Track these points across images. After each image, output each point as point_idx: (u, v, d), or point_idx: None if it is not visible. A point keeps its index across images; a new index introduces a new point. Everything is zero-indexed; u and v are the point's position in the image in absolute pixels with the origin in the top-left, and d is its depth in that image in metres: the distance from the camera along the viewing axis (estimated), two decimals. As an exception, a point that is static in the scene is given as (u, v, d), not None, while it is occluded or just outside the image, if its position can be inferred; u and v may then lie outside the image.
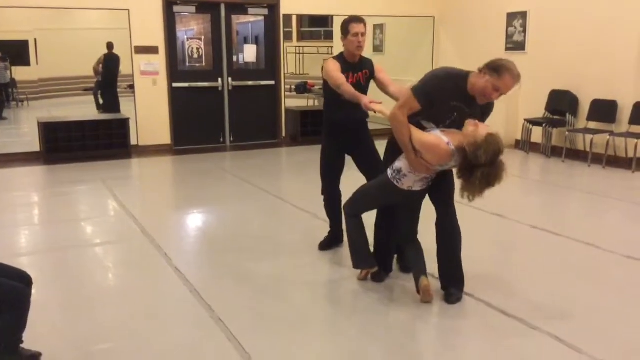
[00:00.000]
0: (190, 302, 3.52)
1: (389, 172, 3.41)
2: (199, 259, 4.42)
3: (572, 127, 7.75)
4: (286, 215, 5.58)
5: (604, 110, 7.40)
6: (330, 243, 4.43)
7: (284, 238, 4.83)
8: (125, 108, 9.13)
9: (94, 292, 3.75)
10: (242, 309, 3.44)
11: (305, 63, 14.87)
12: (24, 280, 2.70)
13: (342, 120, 4.11)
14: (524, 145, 8.33)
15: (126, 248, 4.64)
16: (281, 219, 5.44)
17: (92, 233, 5.06)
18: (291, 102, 10.19)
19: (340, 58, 4.06)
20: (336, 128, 4.17)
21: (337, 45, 10.48)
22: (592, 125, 7.55)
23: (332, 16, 10.73)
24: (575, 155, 7.72)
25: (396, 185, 3.38)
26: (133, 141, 8.49)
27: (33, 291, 2.73)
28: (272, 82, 9.36)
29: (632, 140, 7.01)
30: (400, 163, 3.36)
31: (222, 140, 9.22)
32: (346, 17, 4.08)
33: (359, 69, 4.06)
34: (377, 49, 11.18)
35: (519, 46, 8.66)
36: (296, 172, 7.90)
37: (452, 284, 3.50)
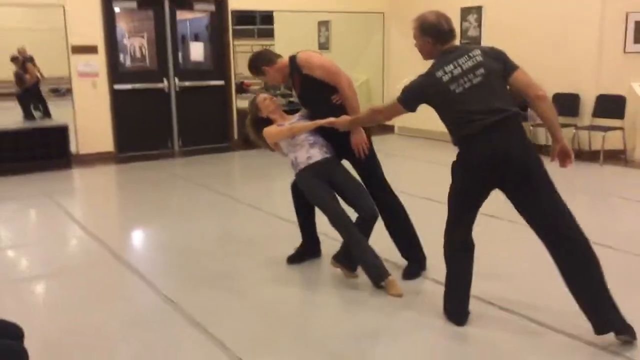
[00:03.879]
0: (168, 314, 3.05)
1: (295, 173, 3.68)
2: (175, 273, 3.91)
3: (534, 122, 7.74)
4: (260, 221, 5.14)
5: (567, 104, 7.42)
6: (302, 256, 4.04)
7: (262, 245, 4.39)
8: (56, 113, 8.32)
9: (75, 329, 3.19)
10: (222, 316, 3.14)
11: (239, 62, 14.40)
12: (15, 335, 2.16)
13: None
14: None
15: (97, 273, 4.05)
16: (255, 226, 5.00)
17: (54, 257, 4.42)
18: (241, 102, 9.68)
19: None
20: None
21: (279, 44, 10.16)
22: (555, 119, 7.56)
23: (272, 13, 10.24)
24: (539, 150, 7.67)
25: (303, 172, 3.59)
26: (72, 149, 7.73)
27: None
28: (222, 82, 8.84)
29: (597, 133, 7.06)
30: (290, 156, 3.68)
31: (170, 145, 8.59)
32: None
33: (293, 79, 3.71)
34: (323, 46, 10.85)
35: (475, 41, 8.59)
36: (258, 176, 7.44)
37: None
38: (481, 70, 2.81)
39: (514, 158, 2.75)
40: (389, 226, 3.77)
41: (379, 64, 10.27)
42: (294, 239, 4.06)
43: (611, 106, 7.05)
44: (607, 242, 3.97)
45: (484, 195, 2.91)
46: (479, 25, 8.52)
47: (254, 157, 8.35)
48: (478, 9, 8.48)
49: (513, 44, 8.11)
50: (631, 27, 7.04)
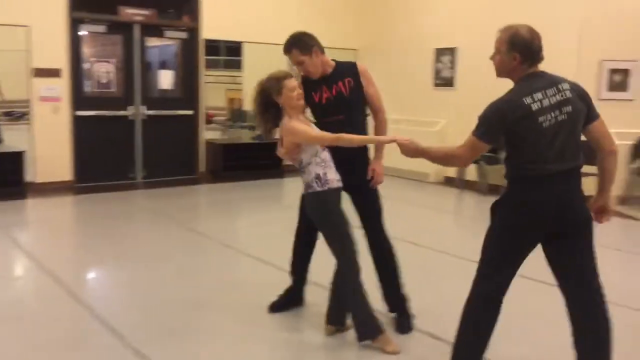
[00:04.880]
0: None
1: (312, 189, 3.17)
2: (140, 320, 3.56)
3: (507, 164, 7.72)
4: (232, 261, 4.83)
5: (540, 148, 7.43)
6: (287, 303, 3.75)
7: (236, 288, 4.08)
8: (10, 138, 7.81)
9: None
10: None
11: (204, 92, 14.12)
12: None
13: None
14: (459, 182, 8.20)
15: (51, 315, 3.66)
16: (227, 266, 4.70)
17: (2, 298, 3.99)
18: (209, 134, 9.39)
19: (303, 80, 3.39)
20: None
21: (246, 75, 9.97)
22: (528, 163, 7.56)
23: (241, 44, 10.02)
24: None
25: (331, 192, 3.16)
26: (28, 178, 7.26)
27: None
28: (190, 112, 8.54)
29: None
30: (313, 169, 3.17)
31: (132, 175, 8.20)
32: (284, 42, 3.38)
33: (338, 79, 3.39)
34: (292, 79, 10.71)
35: (448, 82, 8.60)
36: (226, 210, 7.12)
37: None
38: (568, 109, 2.49)
39: (577, 209, 2.54)
40: (380, 272, 3.55)
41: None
42: (272, 281, 3.79)
43: (587, 152, 7.06)
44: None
45: (533, 246, 2.61)
46: (453, 67, 8.53)
47: (221, 191, 8.06)
48: (452, 50, 8.50)
49: (485, 86, 8.16)
50: (605, 75, 7.15)
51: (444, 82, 8.65)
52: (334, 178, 3.19)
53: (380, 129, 3.55)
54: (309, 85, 3.38)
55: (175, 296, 4.05)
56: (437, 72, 8.75)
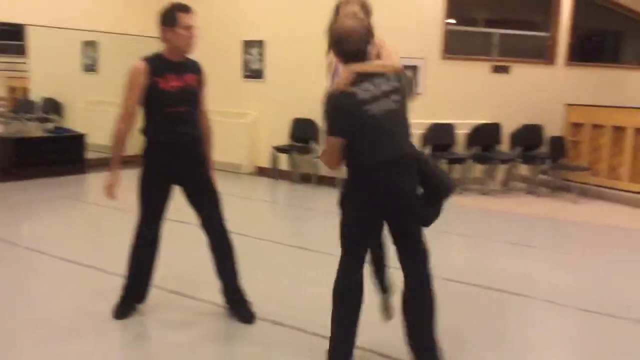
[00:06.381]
0: None
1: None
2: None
3: (316, 154, 8.08)
4: (49, 269, 4.40)
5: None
6: (128, 306, 3.50)
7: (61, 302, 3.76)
8: None
9: None
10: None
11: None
12: None
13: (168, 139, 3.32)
14: (273, 172, 8.38)
15: None
16: (45, 276, 4.26)
17: None
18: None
19: (154, 59, 3.26)
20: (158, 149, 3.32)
21: (34, 62, 9.04)
22: (336, 152, 7.99)
23: (23, 27, 9.06)
24: (327, 181, 7.99)
25: None
26: None
27: None
28: (-30, 103, 7.50)
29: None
30: None
31: None
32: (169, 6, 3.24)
33: (186, 70, 3.32)
34: (89, 68, 9.99)
35: (257, 74, 8.72)
36: (26, 211, 6.40)
37: None
38: (397, 97, 2.67)
39: (400, 197, 2.69)
40: (222, 264, 3.49)
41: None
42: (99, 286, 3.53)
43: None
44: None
45: (375, 229, 2.79)
46: (262, 59, 8.67)
47: (16, 190, 7.21)
48: (260, 43, 8.63)
49: (294, 78, 8.48)
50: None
51: (254, 74, 8.75)
52: None
53: (207, 139, 3.49)
54: (158, 68, 3.21)
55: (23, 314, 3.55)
56: (247, 64, 8.82)
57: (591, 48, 10.84)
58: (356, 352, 2.87)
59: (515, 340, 3.41)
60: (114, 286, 3.52)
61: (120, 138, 3.24)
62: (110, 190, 3.27)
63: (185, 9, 3.25)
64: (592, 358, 3.25)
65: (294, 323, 3.43)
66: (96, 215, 6.17)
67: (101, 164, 7.35)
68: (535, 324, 3.67)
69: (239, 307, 3.50)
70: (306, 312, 3.60)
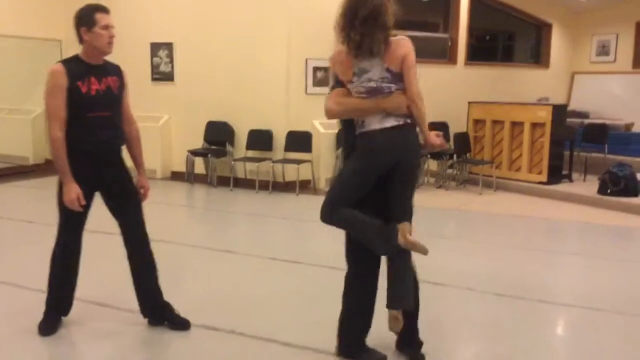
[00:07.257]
0: None
1: None
2: None
3: (232, 156, 8.07)
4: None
5: (261, 139, 7.97)
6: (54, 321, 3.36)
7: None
8: None
9: None
10: None
11: None
12: None
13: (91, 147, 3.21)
14: (189, 176, 8.27)
15: None
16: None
17: None
18: None
19: (72, 62, 3.19)
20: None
21: None
22: (251, 154, 8.03)
23: None
24: (245, 183, 8.01)
25: None
26: None
27: None
28: None
29: (290, 165, 7.73)
30: None
31: None
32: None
33: (107, 73, 3.25)
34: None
35: (167, 77, 8.57)
36: None
37: None
38: None
39: None
40: (143, 279, 3.42)
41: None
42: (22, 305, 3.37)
43: (300, 141, 7.84)
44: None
45: None
46: (171, 62, 8.52)
47: None
48: (169, 45, 8.48)
49: (206, 81, 8.40)
50: (310, 72, 7.98)
51: (163, 76, 8.59)
52: None
53: (136, 143, 3.41)
54: (77, 71, 3.13)
55: None
56: (155, 67, 8.64)
57: (486, 48, 11.55)
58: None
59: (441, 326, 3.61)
60: (34, 302, 3.37)
61: (59, 147, 3.08)
62: (76, 203, 3.08)
63: (103, 9, 3.24)
64: (509, 336, 3.52)
65: (227, 327, 3.44)
66: (5, 229, 5.85)
67: None
68: (455, 310, 3.90)
69: (169, 318, 3.44)
70: (239, 314, 3.63)
